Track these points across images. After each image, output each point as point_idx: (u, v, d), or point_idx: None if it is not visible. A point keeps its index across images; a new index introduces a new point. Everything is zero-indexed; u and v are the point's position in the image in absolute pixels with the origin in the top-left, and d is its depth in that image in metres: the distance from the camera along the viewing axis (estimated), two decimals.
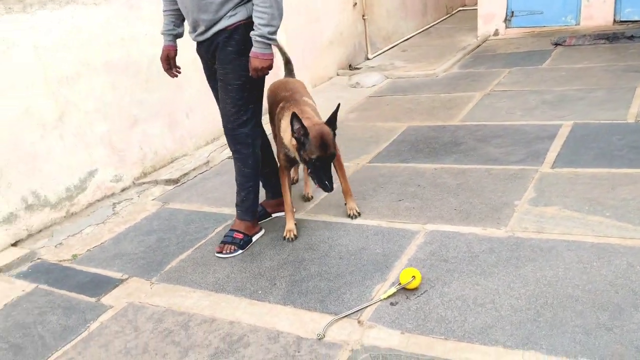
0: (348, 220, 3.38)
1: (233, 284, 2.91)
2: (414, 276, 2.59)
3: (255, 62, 2.81)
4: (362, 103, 5.99)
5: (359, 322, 2.46)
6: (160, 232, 3.61)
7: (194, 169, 4.62)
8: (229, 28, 2.86)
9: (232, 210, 3.68)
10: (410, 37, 9.12)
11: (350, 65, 7.55)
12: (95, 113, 4.10)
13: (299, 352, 2.33)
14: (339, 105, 3.11)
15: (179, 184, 4.41)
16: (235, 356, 2.37)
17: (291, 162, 3.21)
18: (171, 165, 4.73)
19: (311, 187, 3.77)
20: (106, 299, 2.96)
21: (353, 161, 4.32)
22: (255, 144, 3.11)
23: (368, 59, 7.92)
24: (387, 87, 6.51)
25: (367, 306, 2.55)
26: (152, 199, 4.19)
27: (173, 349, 2.47)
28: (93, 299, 2.97)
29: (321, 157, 2.90)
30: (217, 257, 3.15)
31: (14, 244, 3.64)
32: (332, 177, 2.96)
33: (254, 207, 3.25)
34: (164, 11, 3.14)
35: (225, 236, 3.21)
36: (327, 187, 2.94)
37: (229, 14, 2.83)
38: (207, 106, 5.07)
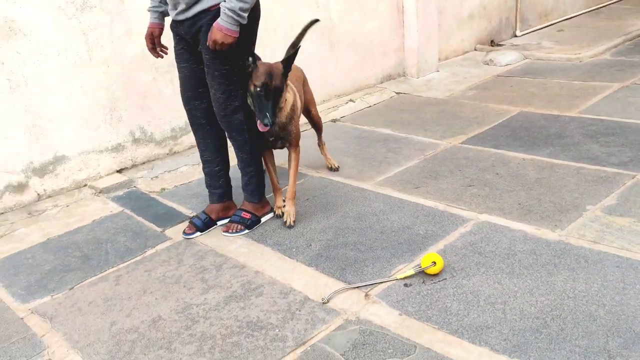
0: (408, 197, 3.35)
1: (275, 238, 3.05)
2: (434, 262, 2.53)
3: (217, 35, 2.61)
4: (486, 81, 5.71)
5: (366, 295, 2.48)
6: (240, 180, 3.84)
7: None
8: (212, 8, 2.69)
9: (311, 170, 3.82)
10: (574, 16, 8.36)
11: (492, 41, 7.17)
12: None
13: (299, 310, 2.43)
14: (298, 48, 3.06)
15: None
16: (245, 302, 2.53)
17: (267, 135, 3.02)
18: None
19: (331, 160, 3.87)
20: (169, 231, 3.28)
21: (446, 140, 4.19)
22: (252, 129, 2.97)
23: (515, 36, 7.45)
24: (521, 67, 6.11)
25: (380, 282, 2.55)
26: None
27: (199, 285, 2.70)
28: (159, 229, 3.31)
29: (265, 83, 2.77)
30: (224, 235, 3.11)
31: (119, 171, 4.13)
32: (274, 113, 2.83)
33: (260, 189, 3.17)
34: None
35: (233, 215, 3.17)
36: (267, 119, 2.76)
37: None
38: (322, 67, 5.20)
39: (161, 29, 3.03)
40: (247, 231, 3.10)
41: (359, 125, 4.78)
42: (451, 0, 6.42)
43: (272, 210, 3.26)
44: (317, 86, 5.18)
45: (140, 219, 3.48)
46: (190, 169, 4.15)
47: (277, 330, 2.32)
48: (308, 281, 2.63)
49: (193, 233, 3.12)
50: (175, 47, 2.97)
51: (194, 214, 3.41)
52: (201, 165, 3.23)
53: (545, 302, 2.29)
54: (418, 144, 4.21)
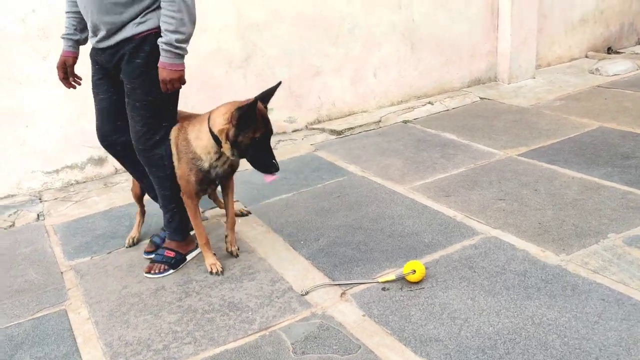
0: (433, 204, 3.35)
1: (291, 229, 3.23)
2: (414, 270, 2.55)
3: (163, 74, 2.49)
4: (581, 92, 5.36)
5: (342, 294, 2.58)
6: (289, 173, 4.06)
7: (360, 125, 4.92)
8: (136, 37, 2.52)
9: (358, 168, 3.95)
10: None
11: (609, 49, 6.65)
12: (279, 59, 4.68)
13: (278, 298, 2.60)
14: (279, 83, 2.72)
15: (340, 136, 4.78)
16: (236, 284, 2.74)
17: (203, 182, 2.76)
18: (345, 118, 5.10)
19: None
20: (207, 213, 3.57)
21: (505, 150, 4.07)
22: (172, 164, 2.76)
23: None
24: (629, 79, 5.64)
25: (361, 283, 2.63)
26: (311, 144, 4.65)
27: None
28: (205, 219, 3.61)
29: (270, 130, 2.60)
30: (146, 277, 2.85)
31: None
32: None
33: (183, 226, 2.92)
34: (66, 12, 2.78)
35: (155, 254, 2.93)
36: (276, 166, 2.60)
37: (136, 21, 2.50)
38: (400, 68, 5.25)
39: (75, 58, 2.82)
40: (172, 271, 2.86)
41: (427, 129, 4.76)
42: (560, 4, 6.07)
43: (197, 246, 2.98)
44: (394, 86, 5.24)
45: None
46: None
47: (249, 313, 2.51)
48: (299, 273, 2.78)
49: (153, 252, 3.00)
50: (93, 76, 2.78)
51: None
52: (147, 192, 3.10)
53: (506, 324, 2.24)
54: (475, 152, 4.13)
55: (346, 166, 4.09)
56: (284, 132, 4.88)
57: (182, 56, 2.52)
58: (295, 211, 3.44)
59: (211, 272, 2.84)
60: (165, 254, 2.89)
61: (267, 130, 2.60)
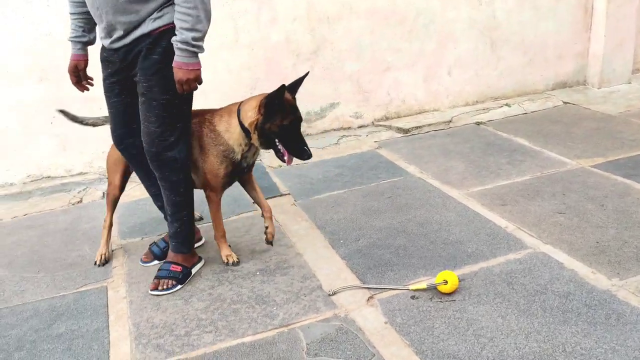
0: (486, 212, 3.19)
1: (334, 226, 3.19)
2: (446, 280, 2.44)
3: (179, 74, 2.38)
4: None
5: (370, 298, 2.51)
6: (346, 169, 4.01)
7: (429, 124, 4.76)
8: (153, 33, 2.42)
9: (417, 169, 3.85)
10: None
11: None
12: (348, 52, 4.62)
13: (305, 296, 2.57)
14: (307, 73, 2.78)
15: (407, 134, 4.66)
16: (269, 278, 2.74)
17: (233, 174, 2.78)
18: (414, 116, 4.96)
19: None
20: None
21: (579, 160, 3.80)
22: (186, 168, 2.66)
23: None
24: None
25: (391, 289, 2.55)
26: (375, 141, 4.57)
27: (247, 255, 2.98)
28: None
29: (299, 117, 2.63)
30: (152, 294, 2.69)
31: None
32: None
33: (191, 237, 2.82)
34: (71, 14, 2.66)
35: (159, 270, 2.76)
36: (308, 152, 2.62)
37: (153, 16, 2.40)
38: (478, 67, 5.03)
39: (86, 61, 2.73)
40: (180, 286, 2.71)
41: (499, 132, 4.53)
42: None
43: (200, 259, 2.89)
44: (470, 85, 5.04)
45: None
46: (315, 152, 4.38)
47: (274, 308, 2.50)
48: (332, 272, 2.74)
49: (150, 261, 2.93)
50: (105, 79, 2.64)
51: (287, 192, 3.67)
52: (154, 201, 2.98)
53: (534, 348, 2.07)
54: (545, 160, 3.88)
55: (406, 166, 3.98)
56: (349, 128, 4.82)
57: (197, 55, 2.39)
58: (343, 209, 3.39)
59: (227, 263, 2.86)
60: (171, 268, 2.73)
61: (296, 118, 2.62)
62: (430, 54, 4.86)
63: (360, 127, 4.85)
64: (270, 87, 4.22)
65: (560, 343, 2.09)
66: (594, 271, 2.52)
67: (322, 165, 4.11)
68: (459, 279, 2.49)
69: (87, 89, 2.81)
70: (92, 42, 2.71)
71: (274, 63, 4.44)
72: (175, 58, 2.37)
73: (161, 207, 2.91)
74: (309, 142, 4.34)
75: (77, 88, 2.78)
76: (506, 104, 5.11)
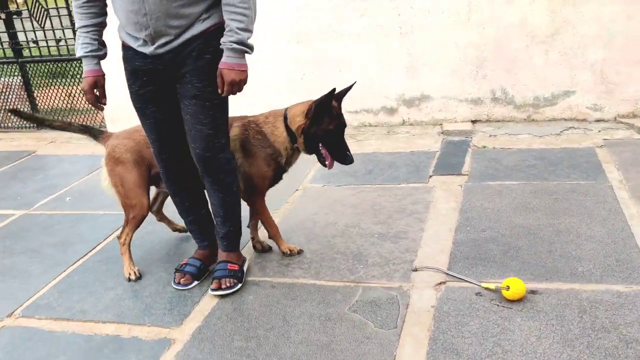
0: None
1: (475, 213, 3.22)
2: (508, 286, 2.40)
3: (230, 75, 2.32)
4: None
5: (441, 283, 2.62)
6: (545, 162, 3.83)
7: None
8: (205, 33, 2.37)
9: (622, 176, 3.56)
10: None
11: None
12: (594, 39, 4.23)
13: (393, 265, 2.80)
14: (353, 83, 2.78)
15: None
16: (382, 242, 3.05)
17: (276, 178, 2.88)
18: None
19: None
20: (433, 179, 3.83)
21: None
22: (236, 168, 2.68)
23: None
24: None
25: (464, 280, 2.59)
26: (603, 139, 4.15)
27: (384, 214, 3.33)
28: (427, 175, 3.89)
29: (340, 125, 2.72)
30: (214, 294, 2.66)
31: (473, 122, 4.69)
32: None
33: (240, 236, 2.80)
34: (82, 27, 2.50)
35: (216, 270, 2.72)
36: (350, 157, 2.74)
37: (202, 17, 2.36)
38: None
39: (104, 77, 2.58)
40: (240, 285, 2.70)
41: None
42: None
43: (246, 258, 2.88)
44: None
45: (434, 160, 4.09)
46: (528, 139, 4.29)
47: (361, 266, 2.82)
48: (432, 252, 2.88)
49: (190, 283, 2.78)
50: (138, 90, 2.52)
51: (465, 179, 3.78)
52: (186, 216, 2.87)
53: None
54: None
55: (610, 171, 3.61)
56: (584, 120, 4.47)
57: (245, 56, 2.36)
58: (500, 199, 3.36)
59: (291, 254, 2.95)
60: (229, 267, 2.71)
61: (341, 123, 2.73)
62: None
63: (597, 120, 4.44)
64: (497, 67, 4.29)
65: None
66: None
67: (523, 154, 4.01)
68: (530, 290, 2.41)
69: (102, 109, 2.68)
70: (105, 55, 2.59)
71: (504, 44, 4.38)
72: (226, 59, 2.33)
73: (194, 221, 2.84)
74: (530, 128, 4.26)
75: (95, 107, 2.64)
76: None
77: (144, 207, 2.84)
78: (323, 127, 2.70)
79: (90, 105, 2.72)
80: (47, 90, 6.03)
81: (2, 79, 6.03)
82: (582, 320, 2.23)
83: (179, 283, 2.78)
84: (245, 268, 2.82)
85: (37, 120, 3.01)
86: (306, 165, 4.19)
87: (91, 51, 2.52)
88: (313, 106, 2.67)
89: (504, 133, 4.43)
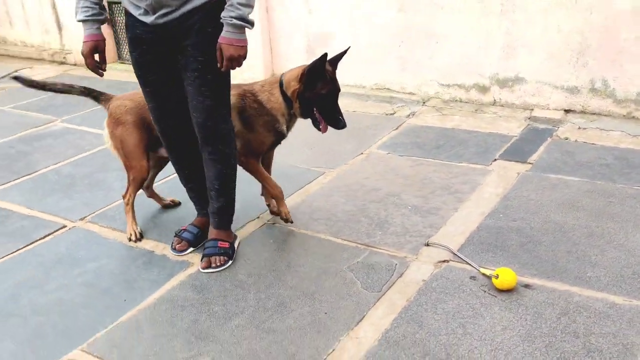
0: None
1: (515, 202, 3.17)
2: (498, 275, 2.44)
3: (229, 50, 2.33)
4: None
5: (444, 261, 2.69)
6: (627, 163, 3.61)
7: None
8: (207, 5, 2.38)
9: None
10: None
11: None
12: None
13: (410, 236, 2.90)
14: (348, 48, 2.82)
15: None
16: (414, 214, 3.16)
17: (275, 144, 2.95)
18: None
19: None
20: (495, 164, 3.79)
21: None
22: (234, 140, 2.68)
23: None
24: None
25: (467, 263, 2.64)
26: None
27: (429, 189, 3.42)
28: (488, 161, 3.85)
29: (334, 89, 2.73)
30: (203, 272, 2.67)
31: (567, 111, 4.47)
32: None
33: (232, 213, 2.82)
34: None
35: (206, 248, 2.74)
36: (343, 122, 2.75)
37: None
38: None
39: (105, 42, 2.57)
40: (230, 262, 2.72)
41: None
42: None
43: (236, 235, 2.91)
44: None
45: (507, 145, 4.02)
46: (619, 137, 4.02)
47: (379, 233, 2.96)
48: (452, 231, 2.93)
49: (185, 249, 2.84)
50: (138, 58, 2.55)
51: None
52: (186, 183, 2.93)
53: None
54: None
55: None
56: None
57: (245, 32, 2.38)
58: (550, 192, 3.27)
59: (287, 220, 2.99)
60: (219, 245, 2.74)
61: (335, 88, 2.74)
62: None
63: None
64: (600, 57, 4.13)
65: None
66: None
67: (603, 151, 3.79)
68: (525, 284, 2.44)
69: (101, 74, 2.66)
70: (106, 20, 2.59)
71: (612, 32, 4.09)
72: (225, 34, 2.34)
73: (194, 189, 2.89)
74: (627, 126, 4.05)
75: (95, 72, 2.62)
76: None
77: (144, 169, 2.90)
78: (316, 92, 2.70)
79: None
80: None
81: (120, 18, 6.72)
82: (556, 321, 2.22)
83: (174, 248, 2.84)
84: (236, 245, 2.85)
85: (39, 85, 2.97)
86: (380, 131, 4.34)
87: (92, 15, 2.50)
88: (306, 70, 2.70)
89: (595, 127, 4.18)
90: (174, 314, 2.43)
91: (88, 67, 2.59)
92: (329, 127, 2.81)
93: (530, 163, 3.69)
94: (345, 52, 2.81)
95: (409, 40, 4.88)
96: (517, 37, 4.42)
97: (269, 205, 3.19)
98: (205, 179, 2.73)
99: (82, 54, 2.55)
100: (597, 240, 2.77)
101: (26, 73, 6.69)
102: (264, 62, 5.59)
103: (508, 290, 2.42)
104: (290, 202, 3.29)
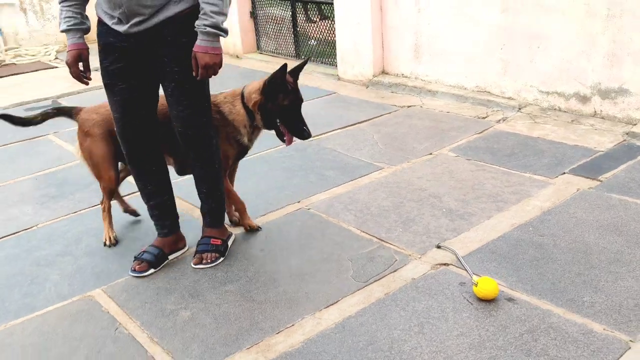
0: None
1: (552, 216, 3.08)
2: (477, 282, 2.44)
3: (204, 59, 2.37)
4: None
5: (443, 264, 2.72)
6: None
7: None
8: (180, 15, 2.41)
9: None
10: None
11: None
12: None
13: (427, 237, 2.95)
14: (307, 59, 3.11)
15: None
16: (444, 215, 3.20)
17: (238, 157, 3.00)
18: None
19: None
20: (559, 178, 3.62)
21: None
22: (218, 143, 2.74)
23: None
24: None
25: (465, 269, 2.65)
26: None
27: (491, 177, 3.41)
28: (549, 177, 3.68)
29: (296, 100, 2.77)
30: (195, 268, 2.77)
31: None
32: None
33: (224, 211, 2.93)
34: (64, 2, 2.51)
35: (199, 245, 2.83)
36: (307, 133, 2.79)
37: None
38: None
39: (88, 50, 2.60)
40: (222, 259, 2.82)
41: None
42: None
43: (231, 233, 2.98)
44: None
45: (586, 160, 3.78)
46: None
47: (400, 229, 3.05)
48: (472, 237, 2.92)
49: (146, 270, 2.77)
50: (108, 66, 2.54)
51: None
52: (148, 200, 2.86)
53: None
54: None
55: None
56: None
57: (219, 39, 2.41)
58: (601, 213, 3.05)
59: (251, 229, 3.07)
60: (212, 242, 2.82)
61: (297, 98, 2.76)
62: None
63: None
64: None
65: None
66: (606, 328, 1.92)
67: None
68: (509, 297, 2.41)
69: (87, 83, 2.69)
70: (88, 29, 2.61)
71: None
72: (200, 42, 2.37)
73: (156, 206, 2.84)
74: None
75: (80, 81, 2.64)
76: None
77: (112, 181, 2.93)
78: (278, 103, 2.73)
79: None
80: (308, 26, 7.00)
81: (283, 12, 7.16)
82: (517, 337, 2.18)
83: (134, 270, 2.77)
84: (230, 242, 2.93)
85: (22, 121, 3.04)
86: (462, 134, 4.32)
87: (74, 25, 2.53)
88: (266, 82, 2.73)
89: None
90: (183, 271, 2.80)
91: (72, 75, 2.62)
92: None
93: (600, 180, 3.46)
94: (305, 62, 2.86)
95: (510, 43, 4.73)
96: (624, 44, 4.08)
97: (231, 219, 3.18)
98: (167, 197, 2.83)
99: (67, 63, 2.59)
100: (618, 267, 2.59)
101: None
102: (374, 58, 5.76)
103: (488, 300, 2.40)
104: (333, 191, 3.50)
